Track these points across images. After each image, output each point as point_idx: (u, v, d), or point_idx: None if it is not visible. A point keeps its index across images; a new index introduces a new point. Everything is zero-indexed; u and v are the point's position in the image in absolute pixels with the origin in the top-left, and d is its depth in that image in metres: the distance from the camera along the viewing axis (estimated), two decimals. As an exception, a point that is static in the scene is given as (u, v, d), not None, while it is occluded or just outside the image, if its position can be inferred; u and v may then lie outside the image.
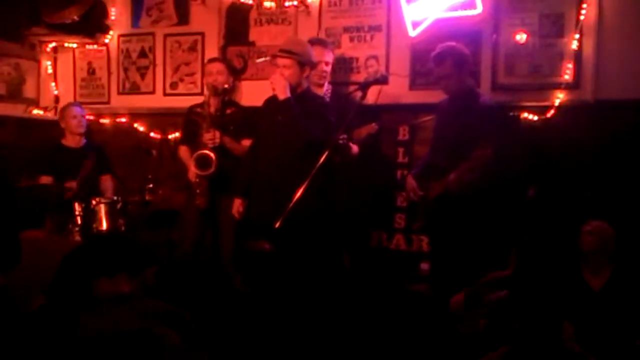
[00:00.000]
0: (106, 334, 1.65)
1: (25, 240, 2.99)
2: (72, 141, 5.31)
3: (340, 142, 3.98)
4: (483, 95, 4.28)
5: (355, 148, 4.38)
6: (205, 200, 4.71)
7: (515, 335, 2.42)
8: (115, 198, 4.91)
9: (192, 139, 4.90)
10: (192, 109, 5.06)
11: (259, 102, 4.50)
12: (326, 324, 3.99)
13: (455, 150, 4.07)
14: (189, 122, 5.02)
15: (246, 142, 4.70)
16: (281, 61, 4.15)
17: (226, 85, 4.84)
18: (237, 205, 4.50)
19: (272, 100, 4.28)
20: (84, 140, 5.36)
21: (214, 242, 4.83)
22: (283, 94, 4.06)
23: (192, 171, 4.73)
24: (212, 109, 4.76)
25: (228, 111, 4.88)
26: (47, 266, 2.33)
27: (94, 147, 5.43)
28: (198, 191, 4.71)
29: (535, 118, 4.55)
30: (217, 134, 4.65)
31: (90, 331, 1.84)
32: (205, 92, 4.88)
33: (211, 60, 5.15)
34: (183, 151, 5.06)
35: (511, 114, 4.58)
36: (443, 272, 4.22)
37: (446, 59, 4.14)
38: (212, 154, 4.60)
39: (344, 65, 5.17)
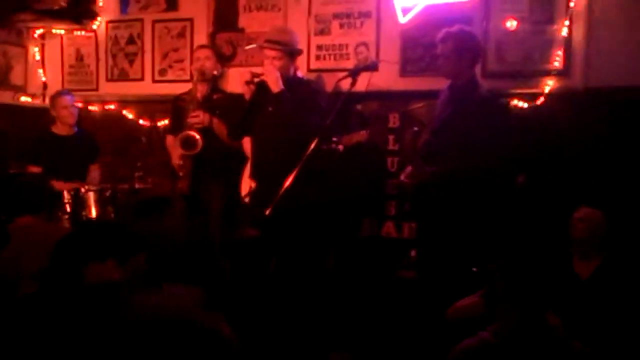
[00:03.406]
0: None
1: (17, 227, 2.98)
2: (62, 129, 5.24)
3: (326, 147, 3.96)
4: (482, 87, 4.18)
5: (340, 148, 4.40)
6: (188, 183, 4.68)
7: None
8: (104, 186, 4.89)
9: (179, 128, 4.86)
10: (178, 97, 5.04)
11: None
12: (314, 312, 4.01)
13: (450, 138, 4.04)
14: (176, 110, 5.00)
15: None
16: (269, 52, 4.12)
17: (215, 72, 4.82)
18: None
19: (260, 89, 4.25)
20: (75, 129, 5.30)
21: (204, 230, 4.81)
22: (277, 86, 4.03)
23: (176, 155, 4.73)
24: (198, 94, 4.75)
25: (215, 97, 4.87)
26: (38, 252, 2.32)
27: (85, 135, 5.38)
28: (181, 174, 4.68)
29: (525, 105, 4.56)
30: (204, 115, 4.64)
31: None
32: (194, 78, 4.86)
33: (199, 47, 5.15)
34: (170, 141, 5.02)
35: (504, 102, 4.57)
36: (430, 259, 4.21)
37: (448, 40, 4.03)
38: (197, 135, 4.60)
39: (333, 52, 5.16)
